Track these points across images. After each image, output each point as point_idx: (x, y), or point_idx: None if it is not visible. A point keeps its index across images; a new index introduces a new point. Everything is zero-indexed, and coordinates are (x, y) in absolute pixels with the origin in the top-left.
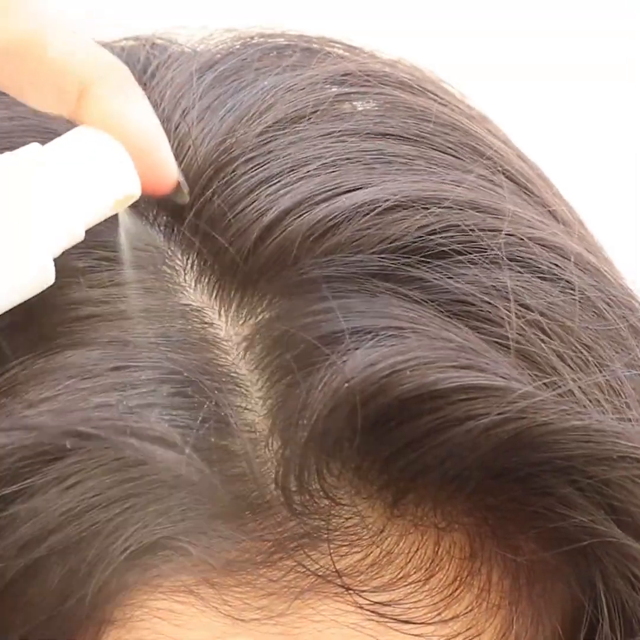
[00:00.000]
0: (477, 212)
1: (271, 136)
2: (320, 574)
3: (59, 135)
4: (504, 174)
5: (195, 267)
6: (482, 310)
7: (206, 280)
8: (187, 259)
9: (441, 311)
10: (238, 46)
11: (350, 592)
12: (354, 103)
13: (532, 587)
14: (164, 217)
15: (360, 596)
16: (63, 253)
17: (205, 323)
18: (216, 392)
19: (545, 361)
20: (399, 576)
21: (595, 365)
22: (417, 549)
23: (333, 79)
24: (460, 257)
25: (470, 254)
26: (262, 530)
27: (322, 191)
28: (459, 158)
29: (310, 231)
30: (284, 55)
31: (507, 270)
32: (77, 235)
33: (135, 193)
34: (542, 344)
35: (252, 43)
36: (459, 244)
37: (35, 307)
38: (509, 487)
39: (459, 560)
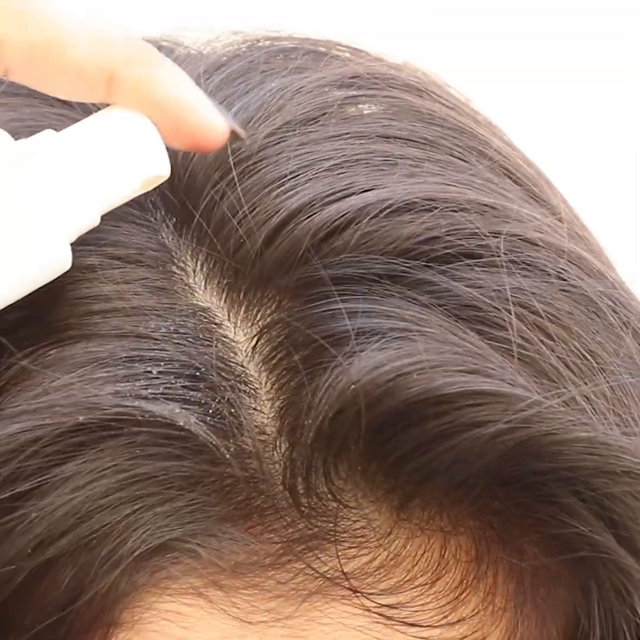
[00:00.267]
0: (484, 215)
1: (280, 138)
2: (328, 576)
3: None
4: (509, 177)
5: (204, 268)
6: (488, 315)
7: (215, 281)
8: (196, 260)
9: (448, 314)
10: (244, 48)
11: (358, 594)
12: (362, 106)
13: (536, 591)
14: (173, 218)
15: (367, 599)
16: (74, 251)
17: (215, 323)
18: (229, 390)
19: (550, 367)
20: (405, 579)
21: (600, 371)
22: (424, 552)
23: (341, 82)
24: (467, 261)
25: (477, 257)
26: (270, 533)
27: (330, 193)
28: (466, 161)
29: (319, 233)
30: (291, 57)
31: (514, 274)
32: (94, 220)
33: (164, 173)
34: (548, 350)
35: (258, 45)
36: (466, 247)
37: (46, 301)
38: (514, 493)
39: (465, 563)
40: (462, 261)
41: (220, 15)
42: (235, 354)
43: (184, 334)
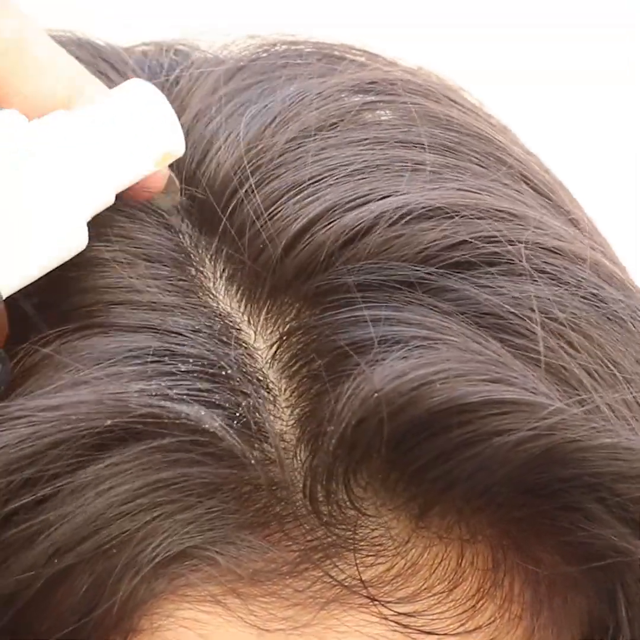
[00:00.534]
0: (504, 222)
1: (299, 143)
2: (345, 584)
3: None
4: (526, 183)
5: (224, 274)
6: (510, 323)
7: (235, 287)
8: (216, 266)
9: (469, 323)
10: (261, 53)
11: (375, 603)
12: (380, 112)
13: (552, 599)
14: (191, 223)
15: (385, 607)
16: (92, 245)
17: (235, 329)
18: (253, 394)
19: (573, 375)
20: (423, 587)
21: (622, 380)
22: (441, 561)
23: (359, 87)
24: (488, 268)
25: (497, 265)
26: (289, 540)
27: (350, 199)
28: (484, 167)
29: (339, 239)
30: (308, 62)
31: (535, 282)
32: (109, 198)
33: (179, 150)
34: (570, 358)
35: (275, 50)
36: (486, 254)
37: (66, 287)
38: (536, 501)
39: (482, 571)
40: (483, 268)
41: (220, 16)
42: (256, 360)
43: (209, 334)
